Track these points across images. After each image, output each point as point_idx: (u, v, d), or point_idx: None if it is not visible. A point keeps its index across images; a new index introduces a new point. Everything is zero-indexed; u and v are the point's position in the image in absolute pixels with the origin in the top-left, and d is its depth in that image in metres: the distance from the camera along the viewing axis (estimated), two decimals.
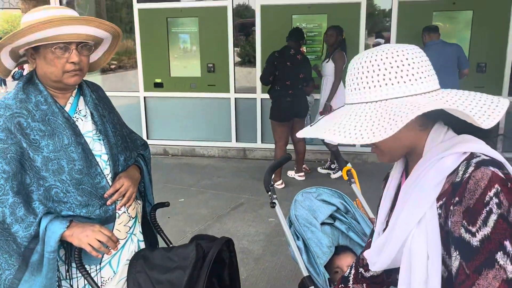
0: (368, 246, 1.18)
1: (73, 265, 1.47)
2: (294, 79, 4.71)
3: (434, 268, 0.88)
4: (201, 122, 6.29)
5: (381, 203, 1.09)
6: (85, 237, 1.39)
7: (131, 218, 1.62)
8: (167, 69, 6.19)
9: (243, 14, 6.10)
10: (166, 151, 6.36)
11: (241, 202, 4.51)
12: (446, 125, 0.95)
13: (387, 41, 5.78)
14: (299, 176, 5.22)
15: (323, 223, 2.07)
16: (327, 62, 5.01)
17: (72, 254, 1.44)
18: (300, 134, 0.98)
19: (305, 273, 1.79)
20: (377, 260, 1.04)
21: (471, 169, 0.85)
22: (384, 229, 1.05)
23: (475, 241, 0.82)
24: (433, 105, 0.81)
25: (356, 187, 2.27)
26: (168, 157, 6.30)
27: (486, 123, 0.83)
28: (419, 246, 0.90)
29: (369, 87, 0.90)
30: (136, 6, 6.07)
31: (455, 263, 0.85)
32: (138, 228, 1.67)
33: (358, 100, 0.92)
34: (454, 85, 4.65)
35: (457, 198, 0.85)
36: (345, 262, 1.97)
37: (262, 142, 6.11)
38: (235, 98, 6.09)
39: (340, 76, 4.89)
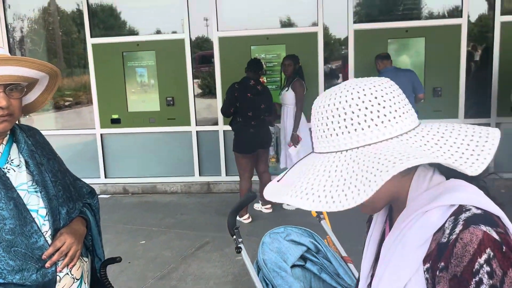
0: None
1: None
2: (255, 110, 4.63)
3: None
4: (162, 158, 6.06)
5: (364, 252, 0.95)
6: None
7: (76, 280, 1.42)
8: (125, 104, 5.97)
9: (202, 46, 6.03)
10: (126, 190, 6.05)
11: (207, 241, 4.29)
12: (431, 166, 0.83)
13: (341, 68, 5.88)
14: (266, 208, 5.07)
15: (293, 266, 1.93)
16: (286, 91, 4.97)
17: None
18: (266, 196, 0.83)
19: None
20: None
21: (459, 228, 0.72)
22: (369, 284, 0.91)
23: None
24: (411, 161, 0.68)
25: (325, 224, 2.15)
26: (128, 195, 6.00)
27: (474, 168, 0.70)
28: None
29: (337, 134, 0.77)
30: (90, 41, 5.87)
31: None
32: None
33: (326, 149, 0.79)
34: None
35: (442, 263, 0.73)
36: None
37: (226, 175, 5.94)
38: (196, 131, 5.93)
39: (301, 105, 4.86)
